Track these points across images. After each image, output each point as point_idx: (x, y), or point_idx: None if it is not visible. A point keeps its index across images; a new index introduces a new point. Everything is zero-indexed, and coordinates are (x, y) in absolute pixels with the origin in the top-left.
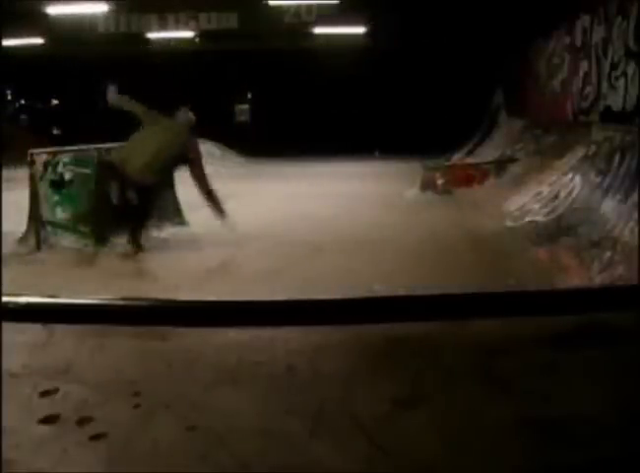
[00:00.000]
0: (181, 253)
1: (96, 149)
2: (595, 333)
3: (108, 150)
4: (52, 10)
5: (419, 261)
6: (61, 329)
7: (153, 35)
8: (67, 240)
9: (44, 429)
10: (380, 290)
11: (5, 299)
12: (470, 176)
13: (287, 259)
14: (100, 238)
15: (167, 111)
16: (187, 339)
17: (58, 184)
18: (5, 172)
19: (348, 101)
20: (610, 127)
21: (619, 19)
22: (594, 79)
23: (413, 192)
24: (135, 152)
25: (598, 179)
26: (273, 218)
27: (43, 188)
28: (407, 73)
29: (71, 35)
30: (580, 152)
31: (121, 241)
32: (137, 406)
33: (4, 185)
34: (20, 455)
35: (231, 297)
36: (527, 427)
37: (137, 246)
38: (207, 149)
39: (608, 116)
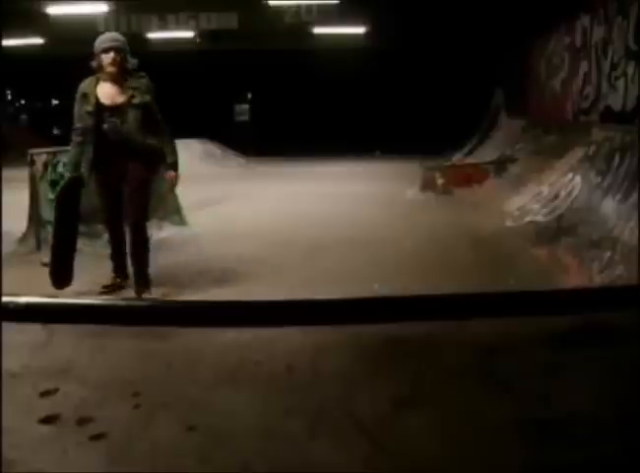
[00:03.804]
0: (181, 254)
1: None
2: (595, 333)
3: None
4: (52, 10)
5: (419, 261)
6: (61, 329)
7: (153, 35)
8: None
9: (44, 429)
10: (380, 290)
11: (5, 299)
12: (470, 176)
13: (286, 259)
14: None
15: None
16: (187, 339)
17: (58, 184)
18: (5, 172)
19: (348, 101)
20: (610, 127)
21: (619, 19)
22: (594, 79)
23: (413, 192)
24: None
25: (598, 179)
26: (273, 218)
27: (43, 188)
28: (407, 73)
29: (71, 35)
30: (580, 152)
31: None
32: (137, 406)
33: (4, 185)
34: (20, 455)
35: (232, 296)
36: (527, 427)
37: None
38: (207, 149)
39: (608, 116)
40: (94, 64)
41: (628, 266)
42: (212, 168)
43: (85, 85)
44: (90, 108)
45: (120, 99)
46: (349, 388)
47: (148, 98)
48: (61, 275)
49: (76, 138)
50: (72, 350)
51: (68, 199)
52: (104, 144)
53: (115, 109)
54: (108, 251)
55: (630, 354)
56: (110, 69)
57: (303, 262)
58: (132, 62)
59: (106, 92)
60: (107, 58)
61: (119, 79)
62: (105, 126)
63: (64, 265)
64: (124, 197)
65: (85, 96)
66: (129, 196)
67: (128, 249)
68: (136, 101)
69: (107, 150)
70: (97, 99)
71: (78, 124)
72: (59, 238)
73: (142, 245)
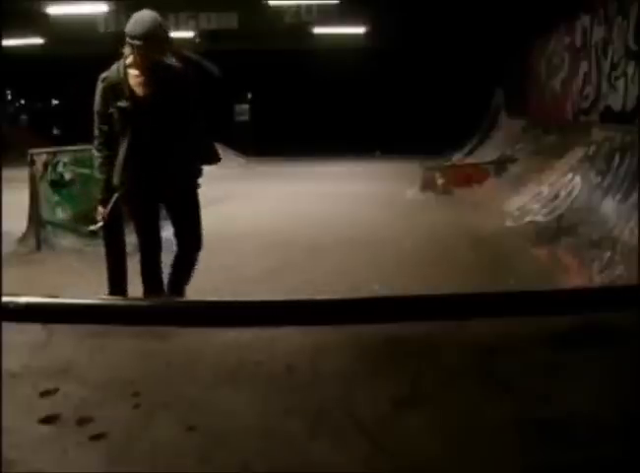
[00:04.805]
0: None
1: None
2: (595, 333)
3: None
4: (52, 10)
5: (419, 261)
6: (61, 329)
7: None
8: (67, 241)
9: (44, 429)
10: (380, 290)
11: (5, 299)
12: (470, 176)
13: (286, 259)
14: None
15: None
16: (187, 339)
17: (58, 184)
18: (5, 172)
19: (348, 101)
20: (611, 127)
21: (619, 19)
22: (594, 79)
23: (413, 192)
24: None
25: (598, 179)
26: (273, 218)
27: (43, 188)
28: (407, 73)
29: (71, 35)
30: (580, 152)
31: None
32: (137, 406)
33: (4, 185)
34: (20, 455)
35: (232, 296)
36: (527, 427)
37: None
38: None
39: (608, 116)
40: (126, 51)
41: (628, 266)
42: (212, 168)
43: (113, 74)
44: (124, 104)
45: (151, 90)
46: (349, 388)
47: (187, 91)
48: (118, 291)
49: (102, 150)
50: (72, 350)
51: (112, 228)
52: (141, 148)
53: (150, 103)
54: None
55: (630, 354)
56: (141, 64)
57: (303, 262)
58: (169, 58)
59: (137, 81)
60: (138, 49)
61: (149, 67)
62: (142, 124)
63: (121, 285)
64: (173, 216)
65: (115, 87)
66: (181, 215)
67: (172, 267)
68: (174, 95)
69: (144, 156)
70: (132, 90)
71: (103, 126)
72: (112, 264)
73: (195, 262)
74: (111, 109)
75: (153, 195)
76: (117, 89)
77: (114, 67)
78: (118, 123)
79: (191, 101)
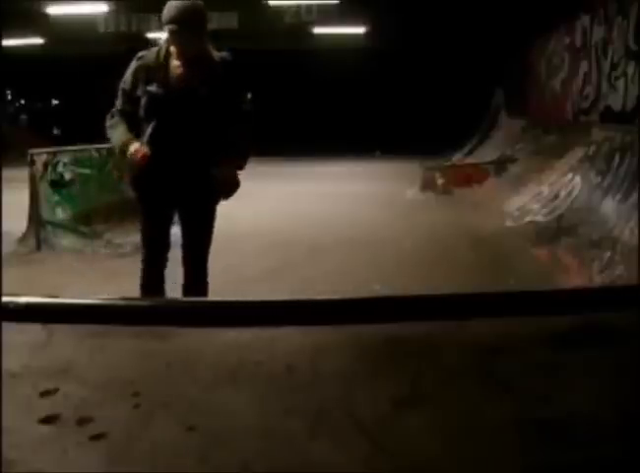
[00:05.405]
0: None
1: (96, 149)
2: (595, 333)
3: (109, 150)
4: (52, 10)
5: (419, 261)
6: (61, 329)
7: (152, 35)
8: (67, 241)
9: (44, 429)
10: (380, 290)
11: (5, 299)
12: (470, 176)
13: (286, 259)
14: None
15: None
16: (187, 339)
17: (58, 184)
18: (5, 172)
19: (348, 101)
20: (610, 127)
21: (619, 19)
22: (594, 79)
23: (413, 192)
24: None
25: (598, 179)
26: (273, 218)
27: (43, 188)
28: (407, 73)
29: (71, 35)
30: (580, 152)
31: (120, 241)
32: (137, 406)
33: (4, 185)
34: (20, 455)
35: (232, 296)
36: (527, 427)
37: None
38: None
39: (608, 116)
40: (161, 41)
41: (628, 266)
42: None
43: (151, 55)
44: (155, 89)
45: (189, 83)
46: (349, 388)
47: (231, 88)
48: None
49: (115, 118)
50: (72, 350)
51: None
52: (165, 142)
53: (186, 95)
54: (108, 251)
55: (630, 354)
56: (179, 54)
57: (303, 262)
58: (217, 54)
59: (177, 72)
60: (170, 35)
61: (190, 59)
62: (171, 116)
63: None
64: (184, 226)
65: (149, 69)
66: (194, 228)
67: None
68: (214, 92)
69: (167, 152)
70: (168, 78)
71: (127, 106)
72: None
73: (204, 284)
74: (139, 92)
75: (169, 197)
76: (151, 71)
77: (155, 49)
78: (145, 110)
79: (232, 102)
